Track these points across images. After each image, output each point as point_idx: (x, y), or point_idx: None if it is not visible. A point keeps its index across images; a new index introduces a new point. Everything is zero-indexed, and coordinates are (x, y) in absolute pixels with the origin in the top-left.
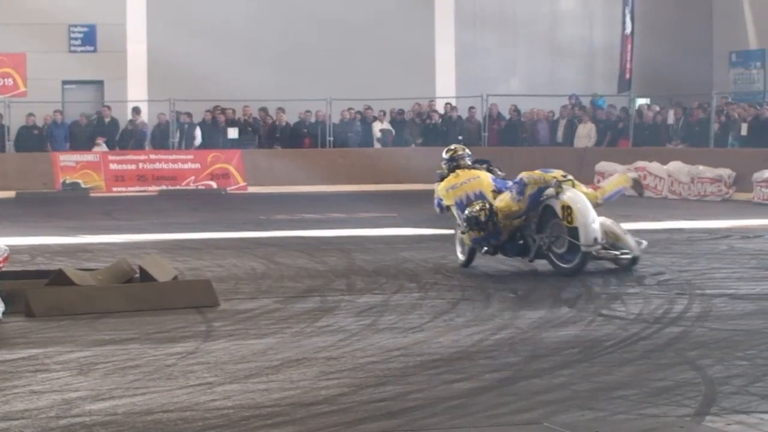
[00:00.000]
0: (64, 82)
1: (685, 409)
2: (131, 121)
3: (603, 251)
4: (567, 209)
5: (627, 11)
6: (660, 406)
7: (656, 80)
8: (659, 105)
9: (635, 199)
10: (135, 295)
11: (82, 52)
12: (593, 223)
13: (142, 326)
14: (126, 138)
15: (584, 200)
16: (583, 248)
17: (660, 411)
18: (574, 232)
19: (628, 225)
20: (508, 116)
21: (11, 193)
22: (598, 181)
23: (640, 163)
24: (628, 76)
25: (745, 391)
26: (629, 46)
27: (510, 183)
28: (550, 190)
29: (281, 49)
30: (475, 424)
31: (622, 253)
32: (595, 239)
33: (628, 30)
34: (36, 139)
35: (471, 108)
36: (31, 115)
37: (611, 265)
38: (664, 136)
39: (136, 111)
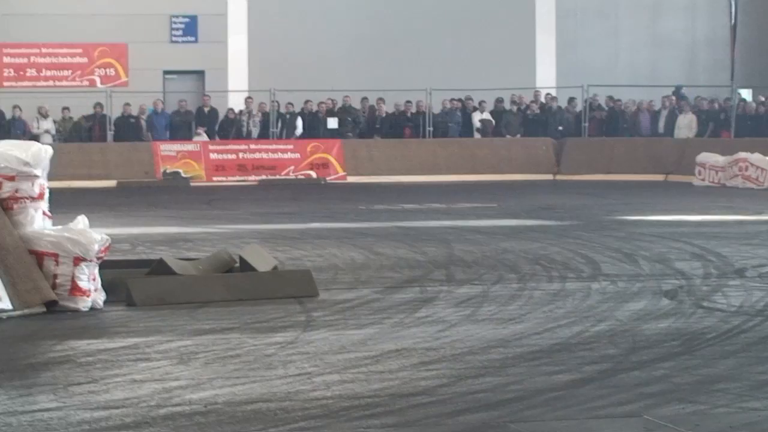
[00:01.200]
0: (165, 72)
1: None
2: (242, 111)
3: None
4: None
5: (732, 1)
6: (761, 400)
7: (759, 71)
8: (762, 96)
9: (737, 191)
10: (235, 285)
11: (183, 42)
12: None
13: (241, 316)
14: (227, 128)
15: None
16: None
17: (762, 405)
18: None
19: (730, 217)
20: (607, 107)
21: (112, 183)
22: (699, 173)
23: (742, 154)
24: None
25: None
26: (733, 37)
27: None
28: None
29: (382, 39)
30: (574, 417)
31: None
32: None
33: (733, 20)
34: (133, 128)
35: (571, 98)
36: (127, 104)
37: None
38: (766, 127)
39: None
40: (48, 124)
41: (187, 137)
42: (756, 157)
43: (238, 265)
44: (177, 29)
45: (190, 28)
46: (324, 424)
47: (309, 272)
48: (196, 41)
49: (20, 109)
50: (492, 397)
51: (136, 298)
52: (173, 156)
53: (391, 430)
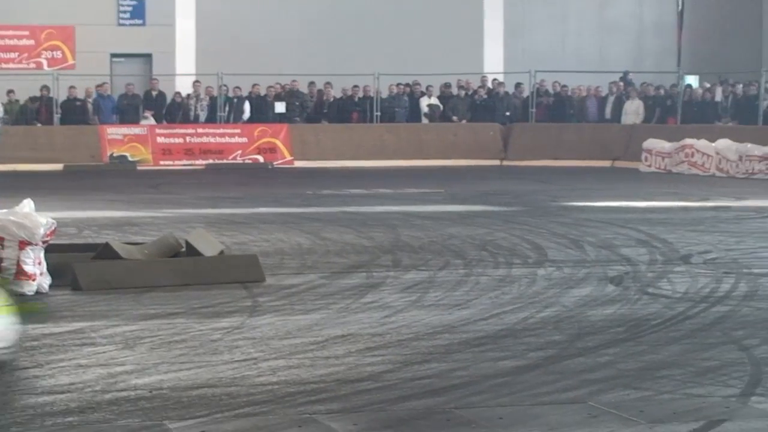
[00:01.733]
0: (113, 55)
1: (731, 390)
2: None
3: None
4: None
5: None
6: (705, 386)
7: (705, 57)
8: (708, 82)
9: (683, 177)
10: (182, 270)
11: (131, 25)
12: None
13: (187, 301)
14: (174, 112)
15: None
16: None
17: (705, 391)
18: None
19: (676, 203)
20: (554, 93)
21: (59, 166)
22: (645, 159)
23: (688, 141)
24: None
25: None
26: (680, 23)
27: None
28: None
29: (330, 23)
30: (519, 403)
31: None
32: None
33: (680, 6)
34: (80, 111)
35: (518, 84)
36: (72, 87)
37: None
38: (712, 113)
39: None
40: None
41: (135, 121)
42: (702, 144)
43: (184, 249)
44: (124, 12)
45: (138, 10)
46: (269, 409)
47: (255, 257)
48: (143, 24)
49: None
50: (437, 382)
51: (81, 283)
52: (120, 140)
53: (336, 415)
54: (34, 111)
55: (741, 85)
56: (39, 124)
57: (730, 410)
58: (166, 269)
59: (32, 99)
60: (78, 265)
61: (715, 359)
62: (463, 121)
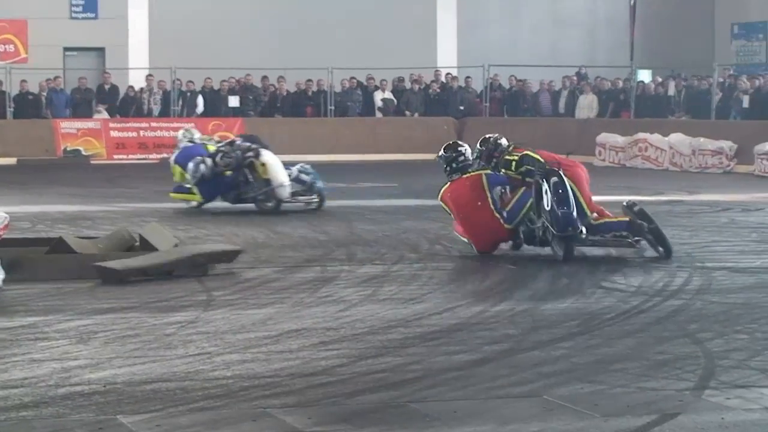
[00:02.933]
0: (66, 49)
1: (685, 383)
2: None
3: None
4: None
5: None
6: (660, 380)
7: (658, 52)
8: (661, 76)
9: (637, 171)
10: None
11: (83, 18)
12: None
13: (142, 295)
14: (127, 105)
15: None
16: None
17: (659, 384)
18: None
19: (631, 197)
20: (509, 87)
21: (12, 160)
22: (599, 153)
23: (642, 135)
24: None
25: (744, 365)
26: (633, 18)
27: None
28: None
29: (283, 17)
30: (474, 396)
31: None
32: None
33: (633, 1)
34: (32, 105)
35: (467, 77)
36: (24, 81)
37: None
38: (665, 107)
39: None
40: None
41: (88, 115)
42: (655, 138)
43: (138, 243)
44: (77, 5)
45: (90, 4)
46: (224, 403)
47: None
48: (96, 17)
49: None
50: (392, 376)
51: (121, 272)
52: (74, 134)
53: (291, 410)
54: None
55: (694, 80)
56: None
57: (684, 403)
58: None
59: None
60: (29, 259)
61: (668, 353)
62: (416, 115)
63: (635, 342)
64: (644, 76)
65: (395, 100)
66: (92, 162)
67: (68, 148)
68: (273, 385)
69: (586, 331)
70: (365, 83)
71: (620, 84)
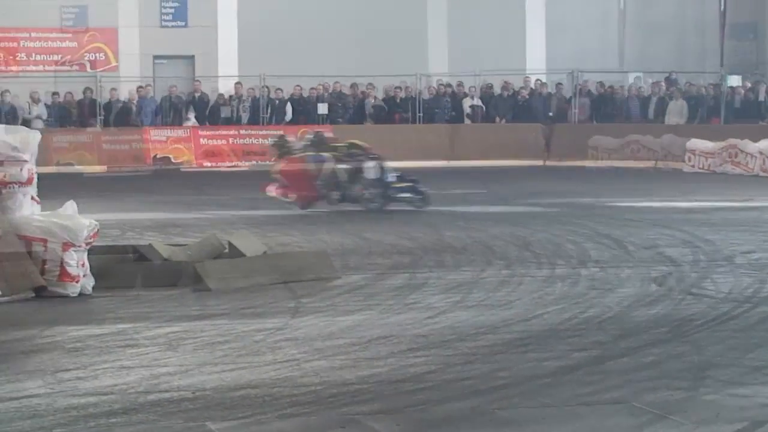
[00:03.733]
0: (155, 57)
1: None
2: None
3: None
4: None
5: None
6: (750, 386)
7: (748, 57)
8: (750, 82)
9: (726, 177)
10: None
11: (173, 27)
12: None
13: (231, 302)
14: (217, 113)
15: None
16: None
17: (750, 391)
18: None
19: (722, 203)
20: (596, 93)
21: (102, 168)
22: (689, 159)
23: (732, 141)
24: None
25: None
26: (723, 22)
27: None
28: None
29: (371, 24)
30: (562, 403)
31: None
32: None
33: (723, 6)
34: (122, 113)
35: (558, 84)
36: (114, 89)
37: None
38: (755, 113)
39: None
40: (40, 109)
41: (177, 123)
42: (746, 144)
43: (227, 251)
44: (167, 14)
45: (180, 12)
46: (311, 410)
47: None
48: (185, 26)
49: (10, 93)
50: (480, 383)
51: (209, 283)
52: (163, 141)
53: (378, 416)
54: (77, 114)
55: None
56: (89, 127)
57: None
58: (265, 265)
59: (77, 102)
60: (200, 266)
61: (759, 359)
62: (503, 121)
63: (725, 348)
64: (734, 81)
65: (483, 106)
66: (182, 170)
67: (158, 156)
68: (361, 392)
69: (675, 338)
70: (454, 90)
71: (710, 90)
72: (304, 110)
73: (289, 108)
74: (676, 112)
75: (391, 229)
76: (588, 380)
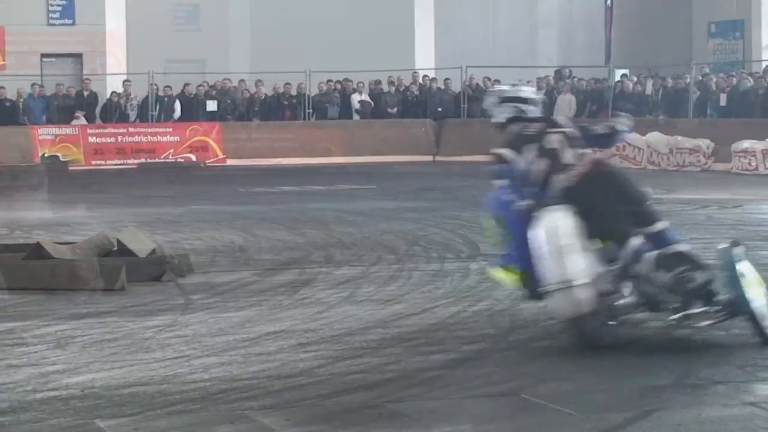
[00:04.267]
0: (43, 55)
1: (664, 380)
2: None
3: None
4: None
5: None
6: (636, 378)
7: (635, 51)
8: (638, 76)
9: None
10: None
11: (60, 25)
12: None
13: (119, 300)
14: (109, 111)
15: None
16: None
17: (637, 382)
18: None
19: None
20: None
21: None
22: None
23: None
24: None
25: (722, 362)
26: (610, 17)
27: None
28: None
29: (260, 21)
30: (452, 396)
31: None
32: None
33: (609, 1)
34: (9, 112)
35: (446, 79)
36: (2, 87)
37: None
38: (643, 107)
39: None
40: None
41: (66, 121)
42: (633, 137)
43: (116, 248)
44: (54, 12)
45: (68, 10)
46: (201, 406)
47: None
48: (73, 24)
49: None
50: (370, 377)
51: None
52: (51, 140)
53: (268, 411)
54: None
55: (670, 78)
56: None
57: (662, 400)
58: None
59: None
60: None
61: (647, 349)
62: (395, 110)
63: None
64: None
65: (372, 103)
66: (70, 168)
67: (46, 154)
68: (251, 388)
69: (563, 330)
70: (343, 86)
71: (596, 83)
72: (193, 107)
73: (177, 105)
74: (565, 106)
75: (281, 225)
76: (477, 373)
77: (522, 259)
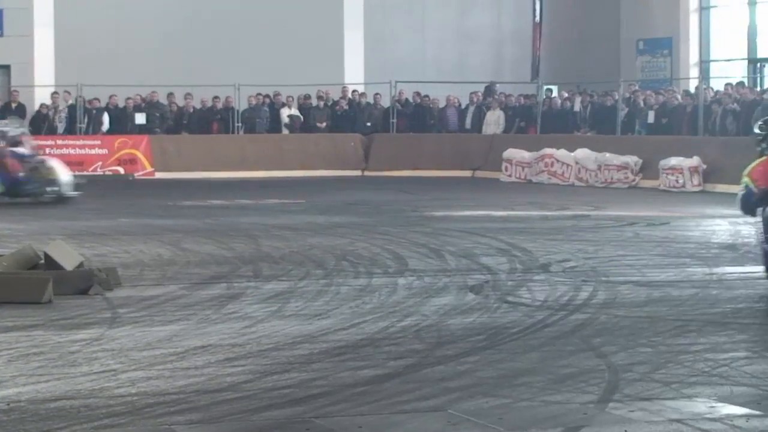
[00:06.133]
0: None
1: (589, 396)
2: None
3: None
4: None
5: None
6: (564, 393)
7: (564, 67)
8: (567, 92)
9: (542, 186)
10: None
11: None
12: None
13: (46, 313)
14: (39, 123)
15: None
16: None
17: (564, 398)
18: None
19: (536, 212)
20: (415, 103)
21: None
22: (506, 169)
23: (548, 150)
24: (537, 63)
25: (648, 378)
26: (539, 34)
27: None
28: None
29: (190, 34)
30: (379, 411)
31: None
32: None
33: (538, 17)
34: None
35: (376, 94)
36: None
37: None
38: (571, 123)
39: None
40: None
41: None
42: (561, 153)
43: (42, 261)
44: None
45: None
46: (128, 420)
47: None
48: (1, 35)
49: None
50: (297, 392)
51: None
52: None
53: (195, 426)
54: None
55: (598, 95)
56: None
57: (588, 416)
58: None
59: None
60: None
61: (573, 366)
62: (324, 124)
63: (540, 356)
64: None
65: (302, 117)
66: None
67: None
68: (178, 402)
69: (491, 346)
70: (272, 100)
71: (525, 99)
72: (121, 120)
73: (106, 118)
74: (494, 121)
75: (209, 239)
76: (404, 388)
77: None
